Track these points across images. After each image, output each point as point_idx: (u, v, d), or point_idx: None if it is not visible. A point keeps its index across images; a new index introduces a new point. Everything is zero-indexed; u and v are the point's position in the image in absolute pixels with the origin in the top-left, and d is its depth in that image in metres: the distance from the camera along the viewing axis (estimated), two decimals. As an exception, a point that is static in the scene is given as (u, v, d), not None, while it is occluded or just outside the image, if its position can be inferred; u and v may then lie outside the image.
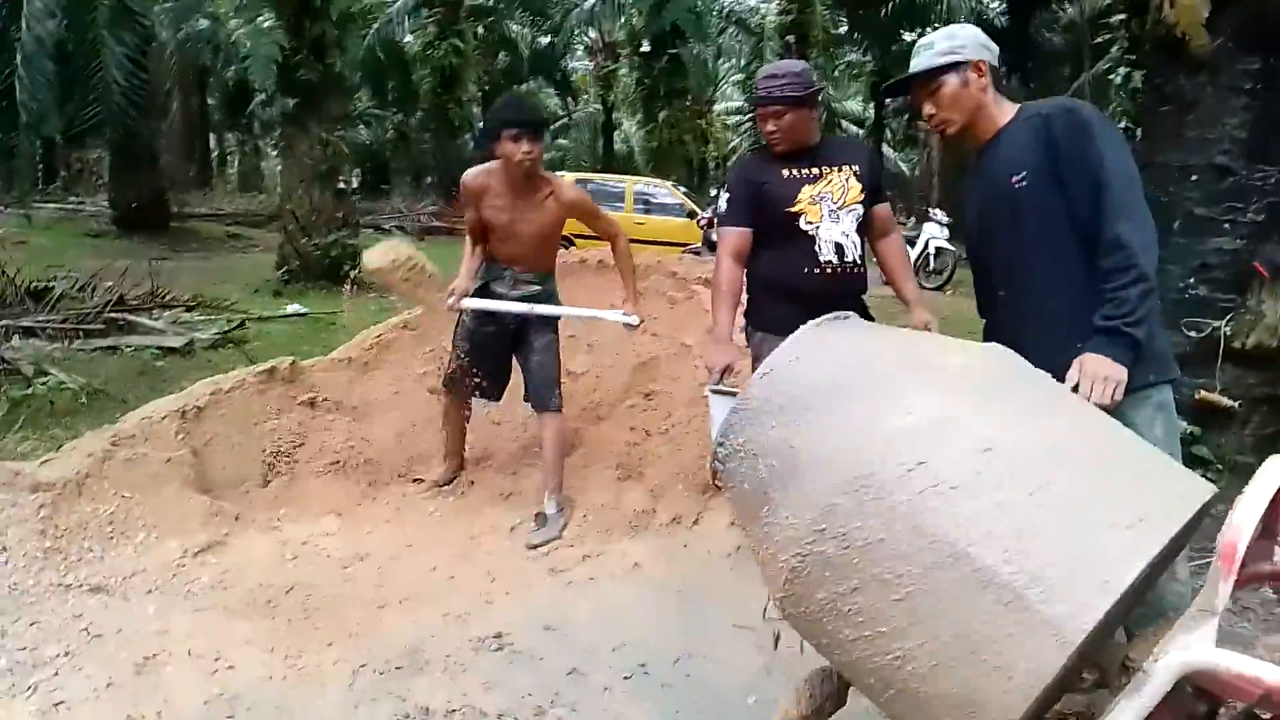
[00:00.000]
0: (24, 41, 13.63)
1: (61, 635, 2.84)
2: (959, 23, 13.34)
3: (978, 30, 2.43)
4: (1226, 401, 3.36)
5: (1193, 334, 3.43)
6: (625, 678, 2.75)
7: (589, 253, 5.71)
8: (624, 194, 14.67)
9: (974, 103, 2.36)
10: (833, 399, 1.66)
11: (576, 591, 3.25)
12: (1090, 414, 1.67)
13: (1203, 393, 3.39)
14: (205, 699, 2.56)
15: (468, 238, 3.89)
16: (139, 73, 14.47)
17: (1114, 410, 2.05)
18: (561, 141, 39.73)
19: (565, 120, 37.02)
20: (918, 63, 2.39)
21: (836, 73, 27.49)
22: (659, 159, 17.56)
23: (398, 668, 2.74)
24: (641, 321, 3.89)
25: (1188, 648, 1.32)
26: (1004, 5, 19.29)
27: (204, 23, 22.80)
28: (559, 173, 16.09)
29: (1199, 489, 1.52)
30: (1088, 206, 2.18)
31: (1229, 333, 3.37)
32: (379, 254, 3.78)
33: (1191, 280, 3.48)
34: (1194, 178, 3.49)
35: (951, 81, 2.34)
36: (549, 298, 3.88)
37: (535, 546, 3.62)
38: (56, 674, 2.64)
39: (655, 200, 14.56)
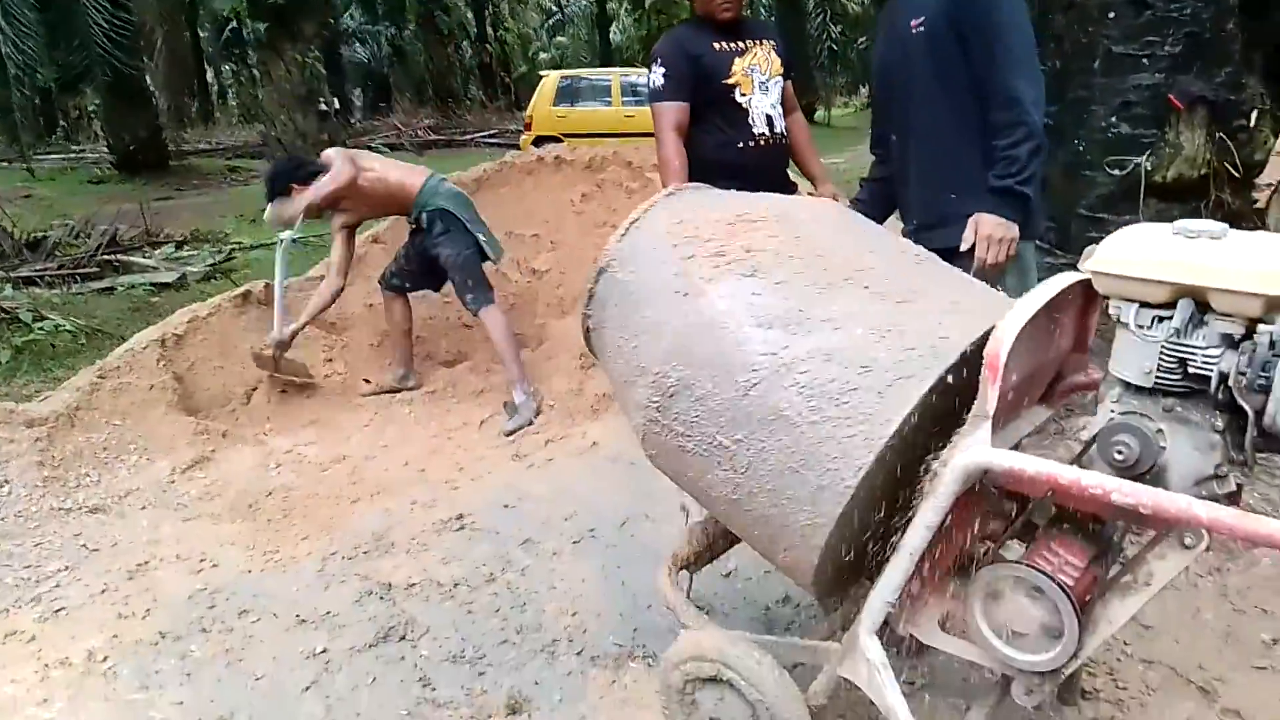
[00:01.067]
0: (2, -9, 13.58)
1: (62, 552, 3.10)
2: None
3: None
4: (1149, 236, 3.42)
5: (1116, 172, 3.47)
6: (574, 542, 2.96)
7: (545, 149, 5.79)
8: (611, 87, 14.49)
9: None
10: (659, 257, 1.81)
11: (536, 472, 3.45)
12: (901, 252, 1.79)
13: (1126, 229, 3.46)
14: (189, 594, 2.80)
15: None
16: (120, 13, 14.41)
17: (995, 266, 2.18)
18: (559, 39, 38.86)
19: (559, 16, 36.21)
20: None
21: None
22: (649, 47, 17.16)
23: (365, 552, 2.97)
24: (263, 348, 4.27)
25: (965, 450, 1.47)
26: None
27: (181, -48, 22.47)
28: (547, 72, 15.81)
29: (984, 319, 1.63)
30: (982, 60, 2.24)
31: (1150, 167, 3.42)
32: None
33: (1114, 119, 3.50)
34: (1112, 14, 3.47)
35: None
36: (435, 218, 4.18)
37: (510, 433, 3.83)
38: (57, 585, 2.91)
39: (645, 91, 14.33)
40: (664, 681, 1.90)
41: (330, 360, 4.53)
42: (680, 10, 18.01)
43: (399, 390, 4.37)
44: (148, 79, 17.74)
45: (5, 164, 17.61)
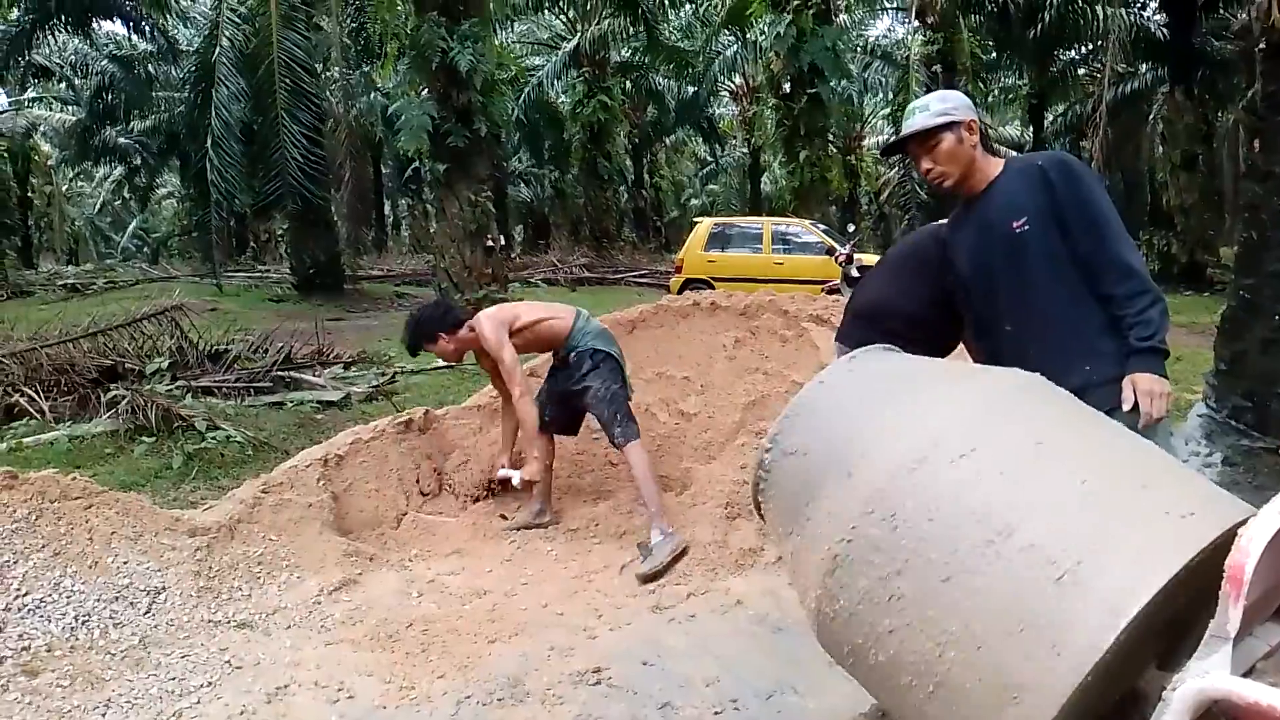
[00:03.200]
0: (213, 126, 15.20)
1: (207, 667, 3.14)
2: (1115, 38, 12.85)
3: (965, 96, 2.66)
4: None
5: (1324, 353, 3.20)
6: (716, 713, 2.79)
7: (701, 295, 5.84)
8: (762, 235, 14.73)
9: (968, 157, 2.58)
10: (881, 401, 1.74)
11: (677, 627, 3.32)
12: (1124, 429, 1.67)
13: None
14: (324, 724, 2.77)
15: None
16: (314, 148, 15.82)
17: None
18: (711, 187, 40.25)
19: (713, 166, 37.51)
20: (913, 123, 2.58)
21: (990, 98, 26.83)
22: (801, 198, 17.51)
23: (499, 699, 2.88)
24: (521, 481, 4.24)
25: (1202, 675, 1.29)
26: (1165, 15, 18.30)
27: (374, 97, 24.63)
28: (701, 217, 16.34)
29: (1232, 512, 1.48)
30: (1087, 242, 2.44)
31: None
32: None
33: (1317, 293, 3.27)
34: (1316, 186, 3.28)
35: (948, 139, 2.56)
36: (585, 356, 4.25)
37: (645, 577, 3.73)
38: (199, 702, 2.93)
39: (794, 239, 14.55)
40: None
41: (479, 489, 4.56)
42: (831, 164, 18.42)
43: (534, 526, 4.35)
44: (332, 208, 19.22)
45: (197, 279, 19.23)
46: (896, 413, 1.71)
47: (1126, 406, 2.29)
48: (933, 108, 2.58)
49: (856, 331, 3.10)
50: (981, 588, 1.47)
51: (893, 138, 2.75)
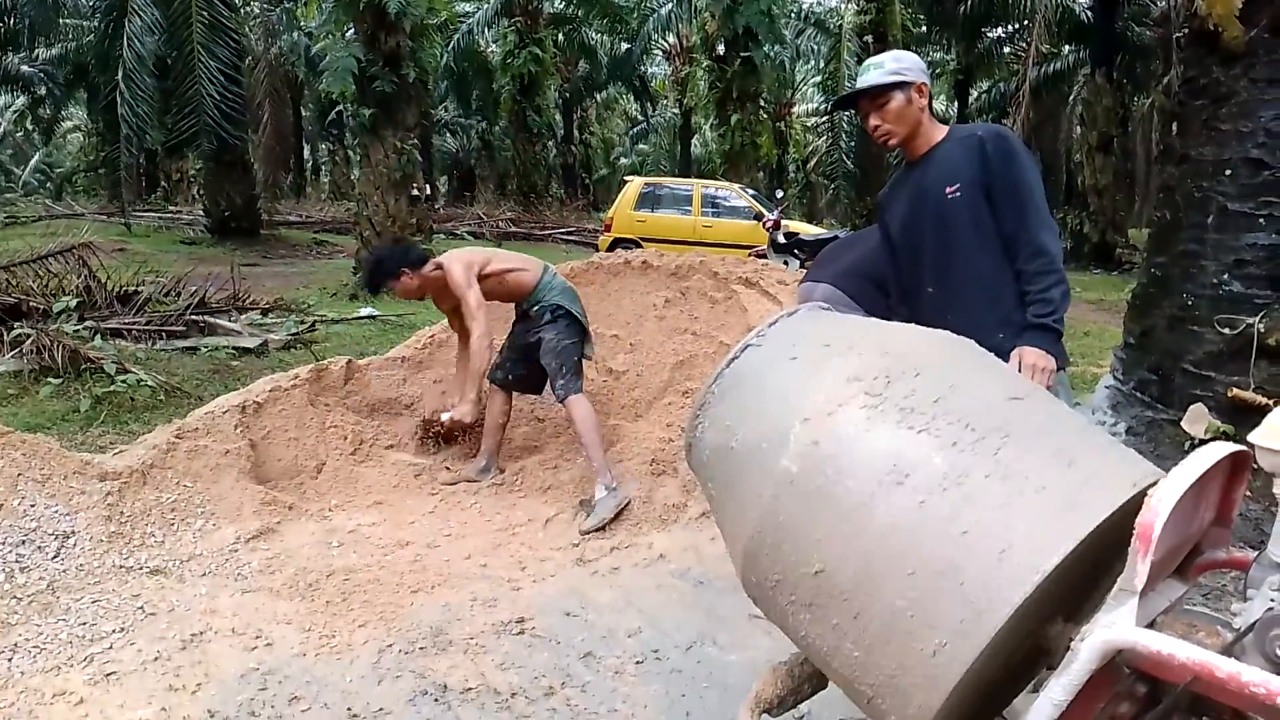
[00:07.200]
0: (125, 58, 14.50)
1: (119, 613, 3.06)
2: (1041, 18, 13.10)
3: (919, 59, 2.69)
4: (1260, 399, 3.28)
5: (1226, 330, 3.36)
6: (637, 662, 2.84)
7: (632, 254, 5.84)
8: (692, 197, 14.75)
9: (915, 119, 2.64)
10: (809, 361, 1.75)
11: (600, 580, 3.36)
12: (1039, 396, 1.72)
13: (1236, 390, 3.32)
14: (242, 672, 2.73)
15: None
16: (231, 87, 15.23)
17: None
18: (641, 146, 40.00)
19: (644, 125, 37.29)
20: (867, 79, 2.61)
21: (918, 71, 27.16)
22: (731, 162, 17.55)
23: (421, 648, 2.88)
24: (450, 424, 4.37)
25: (1109, 626, 1.36)
26: (1090, -1, 18.75)
27: (296, 37, 23.79)
28: (631, 176, 16.22)
29: (1143, 473, 1.54)
30: (1011, 218, 2.53)
31: (1263, 329, 3.30)
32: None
33: (1225, 276, 3.42)
34: (1228, 172, 3.42)
35: (898, 98, 2.60)
36: (545, 311, 4.23)
37: (587, 532, 3.75)
38: (110, 648, 2.85)
39: (724, 203, 14.61)
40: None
41: (402, 441, 4.51)
42: (762, 129, 18.47)
43: (478, 481, 4.32)
44: (250, 150, 18.58)
45: (104, 218, 18.42)
46: (819, 369, 1.73)
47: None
48: (887, 66, 2.61)
49: (850, 283, 3.22)
50: (870, 583, 1.51)
51: (832, 100, 2.78)
